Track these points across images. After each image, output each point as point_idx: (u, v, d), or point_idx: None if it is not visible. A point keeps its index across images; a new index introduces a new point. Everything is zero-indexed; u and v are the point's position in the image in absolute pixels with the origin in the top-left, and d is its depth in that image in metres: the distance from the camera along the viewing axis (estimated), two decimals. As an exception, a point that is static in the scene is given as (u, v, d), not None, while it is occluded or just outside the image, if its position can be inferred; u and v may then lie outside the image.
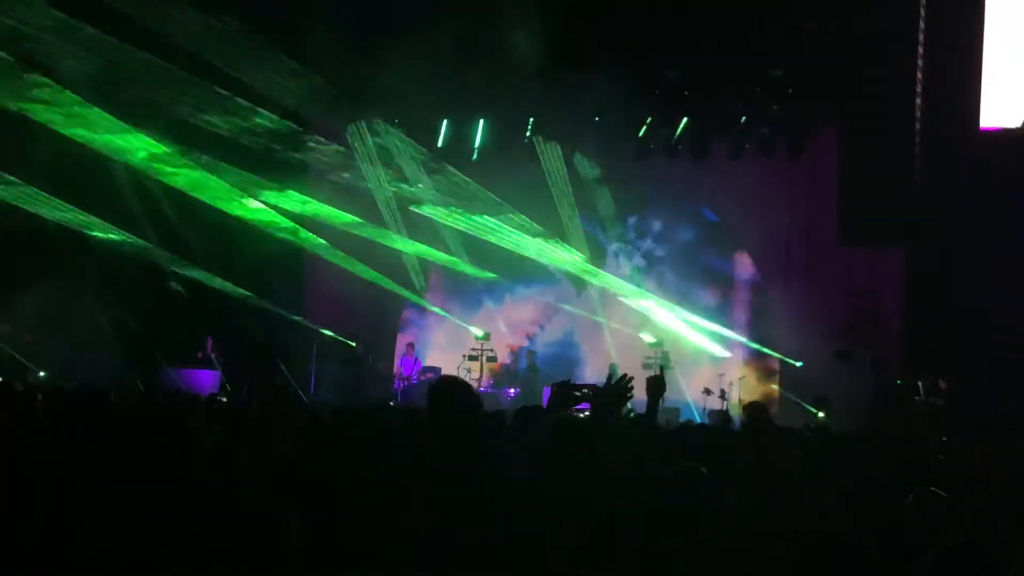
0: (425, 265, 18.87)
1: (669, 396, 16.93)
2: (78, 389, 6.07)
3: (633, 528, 3.36)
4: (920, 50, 14.93)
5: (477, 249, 18.27)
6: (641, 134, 17.55)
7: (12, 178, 15.57)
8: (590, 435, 3.47)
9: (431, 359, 18.36)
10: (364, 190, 17.74)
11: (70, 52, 14.22)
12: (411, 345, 18.26)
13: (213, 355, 17.04)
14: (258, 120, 16.44)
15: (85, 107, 15.23)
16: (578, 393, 3.99)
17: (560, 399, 3.99)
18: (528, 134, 17.71)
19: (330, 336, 17.69)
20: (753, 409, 6.25)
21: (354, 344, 17.77)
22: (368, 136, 17.47)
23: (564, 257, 18.19)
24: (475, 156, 18.31)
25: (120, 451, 3.71)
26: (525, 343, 18.74)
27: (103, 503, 3.40)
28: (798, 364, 16.52)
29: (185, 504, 3.40)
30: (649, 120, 17.38)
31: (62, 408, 5.13)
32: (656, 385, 4.42)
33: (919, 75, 15.05)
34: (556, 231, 18.00)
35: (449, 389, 4.04)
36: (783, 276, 17.48)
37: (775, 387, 16.99)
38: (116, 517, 3.32)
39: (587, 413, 3.96)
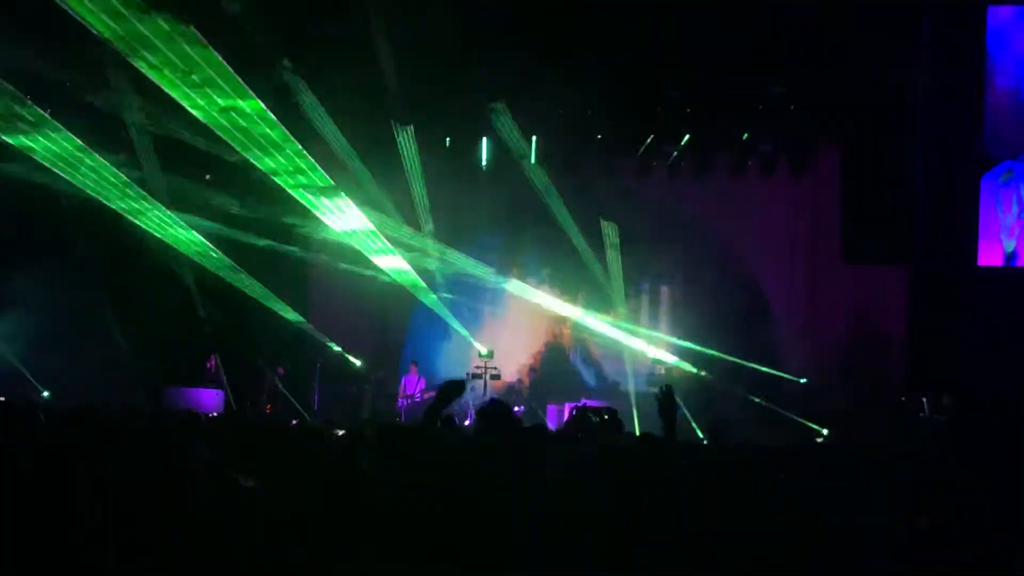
0: None
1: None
2: (80, 409, 6.04)
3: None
4: (923, 66, 14.96)
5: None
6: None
7: None
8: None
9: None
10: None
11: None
12: (415, 363, 18.19)
13: (218, 375, 17.03)
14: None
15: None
16: (595, 417, 4.02)
17: (579, 421, 4.02)
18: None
19: (335, 353, 17.66)
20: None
21: (359, 362, 17.74)
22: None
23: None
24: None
25: (121, 471, 3.69)
26: (529, 362, 18.66)
27: (102, 523, 3.38)
28: (801, 381, 16.46)
29: (184, 525, 3.39)
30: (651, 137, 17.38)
31: (63, 428, 5.11)
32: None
33: (921, 91, 15.08)
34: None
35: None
36: (786, 293, 17.44)
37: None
38: (115, 538, 3.30)
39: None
